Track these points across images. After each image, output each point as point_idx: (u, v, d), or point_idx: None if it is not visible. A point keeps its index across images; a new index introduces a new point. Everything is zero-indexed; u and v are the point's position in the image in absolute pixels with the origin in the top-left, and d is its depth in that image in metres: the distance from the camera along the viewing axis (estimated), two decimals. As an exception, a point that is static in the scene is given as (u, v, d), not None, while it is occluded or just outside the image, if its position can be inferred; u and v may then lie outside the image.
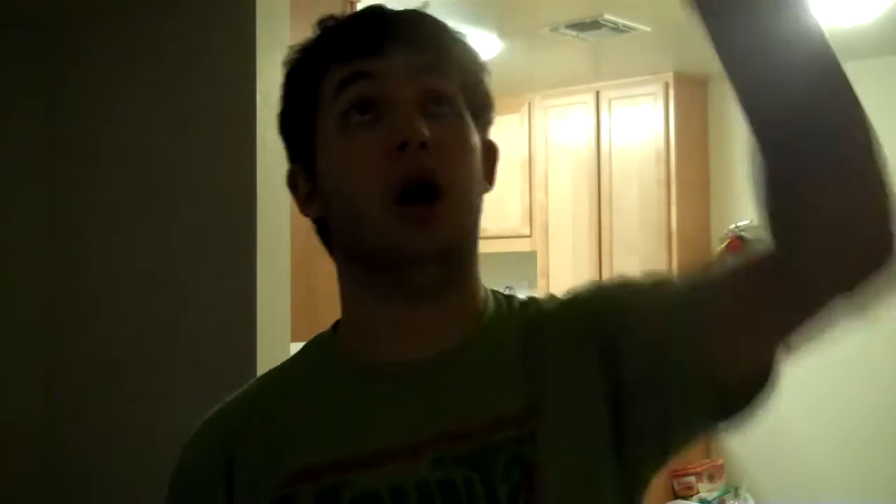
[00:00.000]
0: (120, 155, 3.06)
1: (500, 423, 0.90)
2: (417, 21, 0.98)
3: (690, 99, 5.06)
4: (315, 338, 1.05)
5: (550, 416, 0.91)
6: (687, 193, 4.99)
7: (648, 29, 4.11)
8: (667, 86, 4.96)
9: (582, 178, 5.24)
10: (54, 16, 3.20)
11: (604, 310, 0.96)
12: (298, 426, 0.96)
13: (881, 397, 4.62)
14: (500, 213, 5.57)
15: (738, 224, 5.00)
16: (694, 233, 5.04)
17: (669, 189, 4.95)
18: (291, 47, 1.02)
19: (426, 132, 0.90)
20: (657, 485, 4.81)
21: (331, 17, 0.98)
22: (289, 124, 1.02)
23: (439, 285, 0.94)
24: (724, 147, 5.11)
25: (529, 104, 5.46)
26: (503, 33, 4.21)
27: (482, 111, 1.03)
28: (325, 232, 1.00)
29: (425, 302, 0.95)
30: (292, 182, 1.01)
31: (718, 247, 5.07)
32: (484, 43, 4.35)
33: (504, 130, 5.56)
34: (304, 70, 0.98)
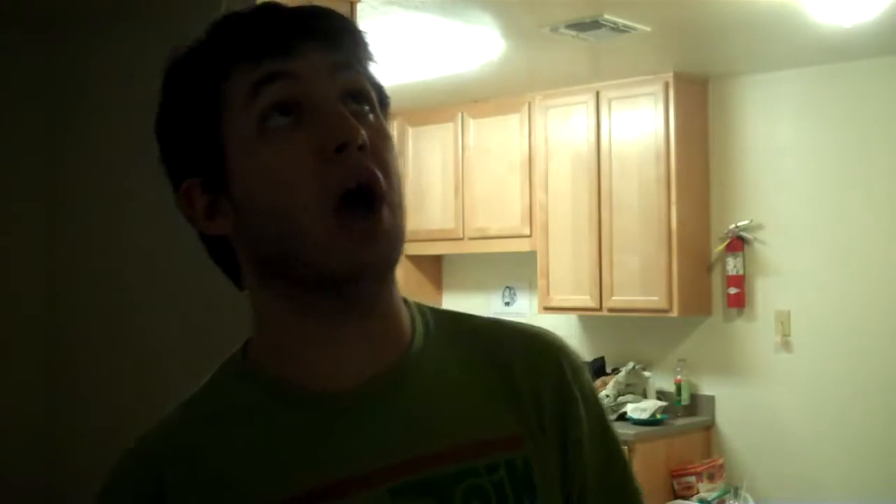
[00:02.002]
0: (121, 155, 3.06)
1: (459, 452, 0.87)
2: (326, 16, 0.90)
3: (690, 99, 5.06)
4: (225, 365, 0.94)
5: (523, 448, 0.89)
6: (687, 193, 4.99)
7: (648, 29, 4.11)
8: (667, 86, 4.96)
9: (582, 178, 5.24)
10: (55, 17, 3.20)
11: (576, 404, 0.95)
12: (238, 466, 0.86)
13: (881, 398, 4.62)
14: (500, 213, 5.58)
15: (738, 224, 5.00)
16: (694, 232, 5.04)
17: (669, 189, 4.95)
18: (175, 47, 0.93)
19: (364, 132, 0.85)
20: (657, 485, 4.81)
21: (234, 14, 0.90)
22: (178, 133, 0.89)
23: (373, 299, 0.88)
24: (724, 147, 5.10)
25: (529, 104, 5.46)
26: (503, 33, 4.21)
27: (385, 105, 0.94)
28: (225, 250, 0.91)
29: (358, 318, 0.88)
30: (186, 198, 0.90)
31: (718, 247, 5.07)
32: (484, 43, 4.35)
33: (504, 130, 5.56)
34: (200, 72, 0.88)
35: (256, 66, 0.85)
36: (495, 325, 1.01)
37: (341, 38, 0.89)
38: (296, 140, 0.84)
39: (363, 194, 0.84)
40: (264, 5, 0.89)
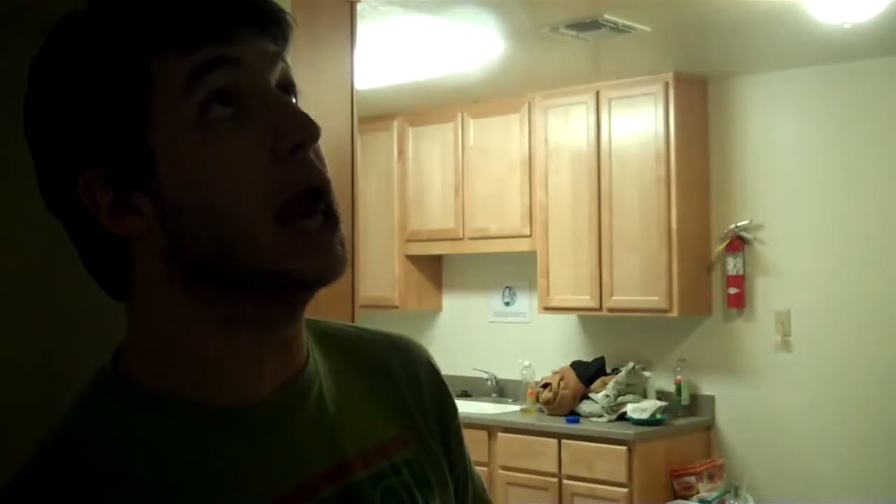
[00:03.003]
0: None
1: (366, 458, 0.85)
2: (264, 0, 0.80)
3: (690, 99, 5.06)
4: (99, 388, 0.82)
5: (413, 447, 0.90)
6: (687, 193, 4.99)
7: (648, 29, 4.11)
8: (667, 86, 4.96)
9: (582, 178, 5.24)
10: (54, 18, 3.20)
11: (450, 399, 0.98)
12: (166, 498, 0.75)
13: (881, 398, 4.62)
14: (500, 213, 5.58)
15: (738, 224, 5.00)
16: (694, 232, 5.04)
17: (669, 189, 4.95)
18: (73, 11, 0.80)
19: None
20: (657, 485, 4.81)
21: None
22: (84, 116, 0.77)
23: (304, 307, 0.83)
24: (724, 147, 5.10)
25: (529, 104, 5.46)
26: (503, 33, 4.21)
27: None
28: (117, 252, 0.79)
29: (284, 326, 0.82)
30: (88, 192, 0.77)
31: (718, 247, 5.07)
32: (484, 43, 4.35)
33: (504, 130, 5.56)
34: (121, 48, 0.76)
35: (195, 49, 0.75)
36: (358, 332, 0.99)
37: (278, 24, 0.80)
38: (244, 135, 0.75)
39: (317, 199, 0.77)
40: None
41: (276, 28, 0.79)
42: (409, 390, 0.93)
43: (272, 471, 0.79)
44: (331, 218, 0.78)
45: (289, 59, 0.81)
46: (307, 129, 0.76)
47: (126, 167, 0.76)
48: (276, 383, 0.82)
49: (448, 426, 0.96)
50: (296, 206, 0.76)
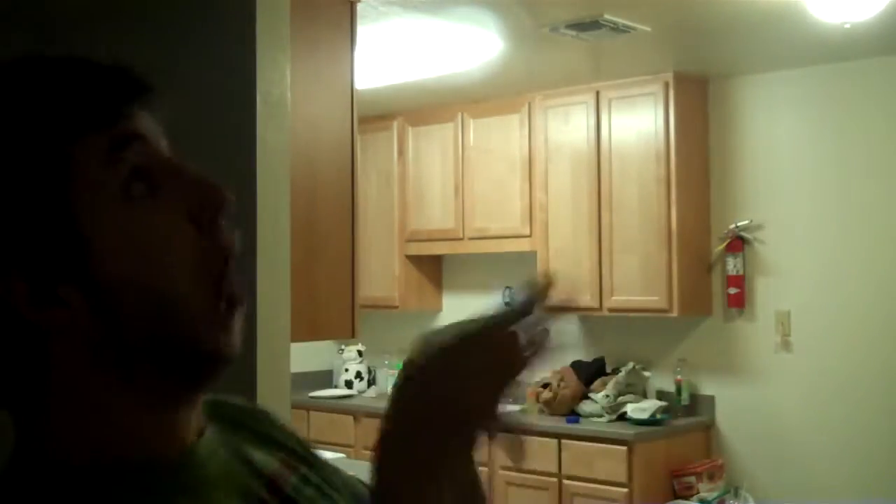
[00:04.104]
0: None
1: (276, 486, 0.88)
2: (142, 74, 0.80)
3: (690, 99, 5.06)
4: (18, 485, 0.76)
5: (300, 470, 0.93)
6: (687, 193, 4.99)
7: (648, 29, 4.11)
8: (667, 86, 4.96)
9: (582, 178, 5.24)
10: (52, 15, 3.20)
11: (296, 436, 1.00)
12: None
13: (881, 397, 4.62)
14: (500, 213, 5.58)
15: (738, 224, 5.00)
16: (694, 233, 5.04)
17: (669, 189, 4.95)
18: None
19: None
20: (657, 485, 4.81)
21: (49, 65, 0.77)
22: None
23: None
24: (724, 147, 5.10)
25: (529, 104, 5.46)
26: (503, 33, 4.21)
27: None
28: (32, 344, 0.74)
29: (206, 391, 0.84)
30: (3, 285, 0.72)
31: (718, 247, 5.07)
32: (484, 43, 4.35)
33: (504, 130, 5.57)
34: (36, 133, 0.73)
35: (109, 128, 0.74)
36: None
37: (154, 96, 0.80)
38: (167, 209, 0.75)
39: (228, 264, 0.78)
40: (77, 60, 0.78)
41: (153, 98, 0.80)
42: (270, 435, 0.96)
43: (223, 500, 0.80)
44: (243, 282, 0.79)
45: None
46: (222, 197, 0.77)
47: (52, 259, 0.73)
48: (197, 430, 0.83)
49: (313, 459, 0.98)
50: (224, 279, 0.77)
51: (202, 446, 0.82)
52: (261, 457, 0.89)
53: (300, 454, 0.95)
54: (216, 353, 0.78)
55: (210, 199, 0.77)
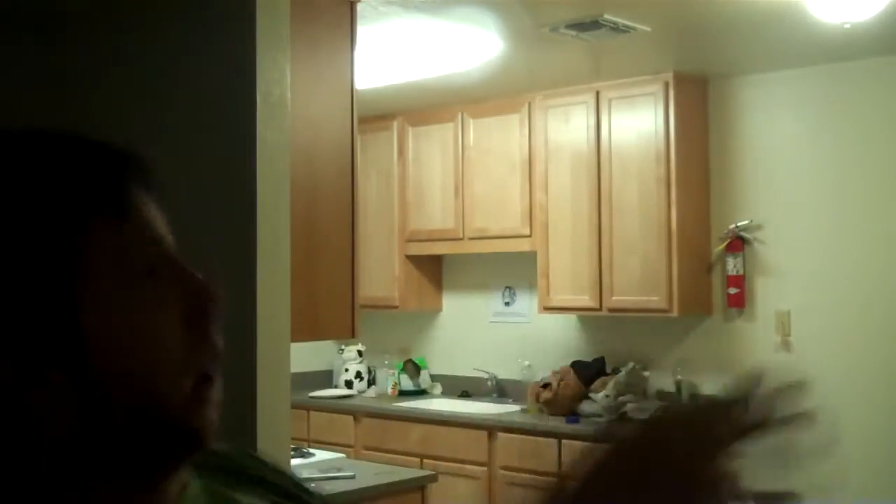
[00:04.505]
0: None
1: None
2: (144, 158, 0.80)
3: (690, 99, 5.06)
4: None
5: None
6: (687, 193, 4.99)
7: (648, 29, 4.11)
8: (667, 86, 4.96)
9: (582, 178, 5.24)
10: (53, 15, 3.20)
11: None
12: None
13: (881, 397, 4.62)
14: (500, 213, 5.58)
15: (738, 224, 5.00)
16: (694, 233, 5.04)
17: (669, 189, 4.95)
18: None
19: None
20: (657, 485, 4.81)
21: (55, 146, 0.76)
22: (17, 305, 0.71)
23: None
24: (724, 147, 5.11)
25: (529, 104, 5.46)
26: (503, 33, 4.21)
27: None
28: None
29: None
30: (44, 394, 0.72)
31: (718, 247, 5.07)
32: (484, 43, 4.35)
33: (504, 130, 5.57)
34: (43, 223, 0.72)
35: (119, 217, 0.75)
36: None
37: (155, 178, 0.81)
38: (163, 305, 0.76)
39: (214, 361, 0.80)
40: (88, 143, 0.77)
41: (156, 182, 0.80)
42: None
43: None
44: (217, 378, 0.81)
45: None
46: (215, 300, 0.78)
47: (45, 342, 0.72)
48: (180, 487, 0.84)
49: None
50: (209, 373, 0.79)
51: (185, 502, 0.83)
52: (250, 500, 0.90)
53: (293, 493, 0.96)
54: (198, 438, 0.79)
55: (204, 301, 0.78)
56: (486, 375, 5.85)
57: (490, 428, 5.18)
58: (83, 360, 0.73)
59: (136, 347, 0.75)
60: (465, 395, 5.90)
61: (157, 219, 0.79)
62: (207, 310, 0.78)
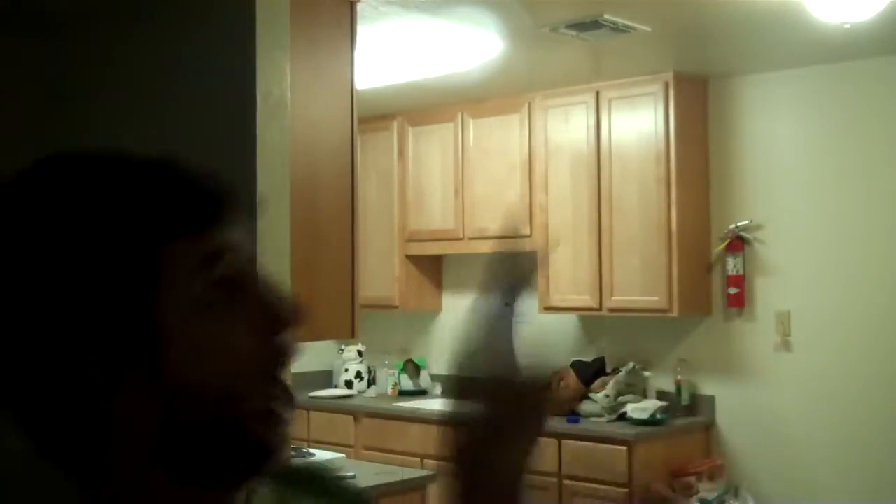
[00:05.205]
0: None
1: None
2: (229, 178, 0.85)
3: (690, 99, 5.06)
4: None
5: None
6: (687, 193, 4.99)
7: (648, 29, 4.11)
8: (667, 86, 4.96)
9: (582, 178, 5.24)
10: (54, 15, 3.20)
11: None
12: None
13: (881, 397, 4.62)
14: (500, 213, 5.58)
15: (738, 224, 5.00)
16: (694, 233, 5.04)
17: (669, 189, 4.95)
18: (43, 184, 0.80)
19: None
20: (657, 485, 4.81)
21: (140, 165, 0.81)
22: (79, 302, 0.75)
23: None
24: (723, 147, 5.10)
25: (529, 104, 5.46)
26: (503, 33, 4.21)
27: None
28: (102, 432, 0.78)
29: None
30: (78, 371, 0.76)
31: (718, 247, 5.07)
32: (484, 43, 4.35)
33: (504, 130, 5.57)
34: (130, 237, 0.76)
35: (202, 236, 0.78)
36: None
37: (243, 206, 0.84)
38: (239, 320, 0.79)
39: (285, 366, 0.83)
40: (178, 164, 0.82)
41: (243, 210, 0.83)
42: None
43: None
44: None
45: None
46: (292, 318, 0.81)
47: (126, 351, 0.76)
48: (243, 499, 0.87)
49: None
50: (280, 380, 0.81)
51: None
52: None
53: None
54: (269, 451, 0.81)
55: (281, 320, 0.80)
56: (486, 375, 5.84)
57: (490, 428, 5.17)
58: (157, 369, 0.77)
59: (207, 360, 0.77)
60: (465, 395, 5.89)
61: (242, 240, 0.82)
62: (284, 328, 0.80)
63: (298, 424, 5.61)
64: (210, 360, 0.77)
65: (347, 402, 6.00)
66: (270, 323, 0.80)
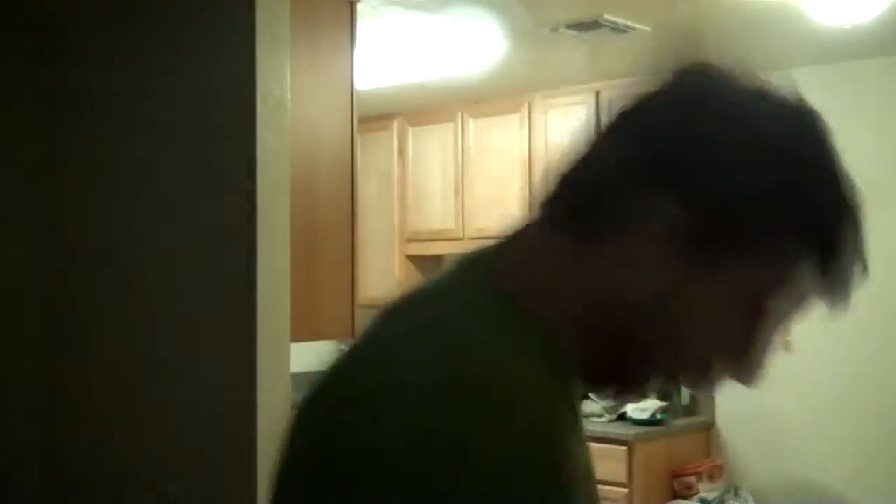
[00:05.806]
0: (119, 155, 3.06)
1: None
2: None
3: (690, 99, 5.06)
4: (513, 331, 0.82)
5: None
6: (687, 193, 4.99)
7: (648, 29, 4.11)
8: (667, 86, 4.95)
9: (582, 178, 5.23)
10: (55, 15, 3.21)
11: None
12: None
13: (882, 397, 4.62)
14: (500, 213, 5.58)
15: (738, 224, 5.00)
16: (694, 233, 5.04)
17: (669, 189, 4.94)
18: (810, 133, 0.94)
19: None
20: (657, 485, 4.81)
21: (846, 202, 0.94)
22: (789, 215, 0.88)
23: None
24: (724, 147, 5.10)
25: (529, 104, 5.46)
26: (503, 33, 4.21)
27: None
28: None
29: None
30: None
31: (718, 247, 5.07)
32: (484, 43, 4.35)
33: (504, 130, 5.57)
34: (822, 201, 0.90)
35: (826, 255, 0.90)
36: None
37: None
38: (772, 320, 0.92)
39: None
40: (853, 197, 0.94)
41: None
42: None
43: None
44: None
45: None
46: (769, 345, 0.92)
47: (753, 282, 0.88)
48: None
49: None
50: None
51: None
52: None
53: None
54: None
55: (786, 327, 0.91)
56: (486, 375, 5.84)
57: (490, 428, 5.18)
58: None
59: (696, 326, 0.88)
60: (465, 395, 5.89)
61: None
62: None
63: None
64: (693, 326, 0.86)
65: (347, 402, 5.99)
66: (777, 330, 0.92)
